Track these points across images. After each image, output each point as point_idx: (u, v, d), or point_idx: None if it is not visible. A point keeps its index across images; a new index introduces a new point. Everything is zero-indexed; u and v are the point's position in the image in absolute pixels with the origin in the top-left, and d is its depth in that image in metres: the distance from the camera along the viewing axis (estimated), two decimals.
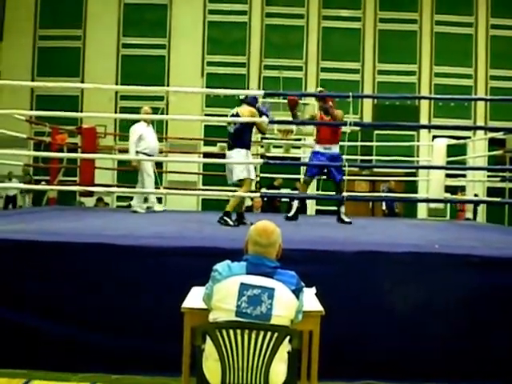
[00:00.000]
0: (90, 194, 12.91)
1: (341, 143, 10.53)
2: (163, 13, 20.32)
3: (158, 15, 20.31)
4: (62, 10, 20.28)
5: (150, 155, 10.23)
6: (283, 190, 16.84)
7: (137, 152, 10.17)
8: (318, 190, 16.44)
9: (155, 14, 20.33)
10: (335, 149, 8.98)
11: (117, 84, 19.54)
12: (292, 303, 3.68)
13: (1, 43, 20.39)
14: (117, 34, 20.35)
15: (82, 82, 19.45)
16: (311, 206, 18.87)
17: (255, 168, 8.95)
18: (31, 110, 18.85)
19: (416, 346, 5.34)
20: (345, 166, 8.11)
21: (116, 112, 19.48)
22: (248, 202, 16.28)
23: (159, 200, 18.25)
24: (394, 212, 16.33)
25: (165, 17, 20.32)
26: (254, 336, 3.52)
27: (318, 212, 18.63)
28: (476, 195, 17.61)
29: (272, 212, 14.44)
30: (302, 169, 18.45)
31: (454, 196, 15.68)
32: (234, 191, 8.37)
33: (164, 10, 20.35)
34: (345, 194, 8.66)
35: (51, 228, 7.12)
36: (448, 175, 11.87)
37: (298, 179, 16.97)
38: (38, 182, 15.51)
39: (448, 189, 11.88)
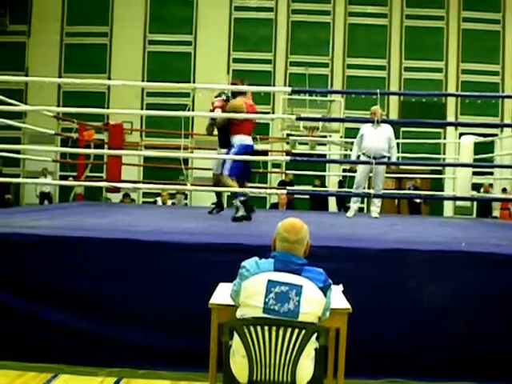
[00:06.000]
0: (117, 190, 13.00)
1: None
2: (189, 9, 20.35)
3: (184, 12, 20.33)
4: (89, 7, 20.38)
5: (367, 157, 9.67)
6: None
7: (358, 156, 9.83)
8: (343, 187, 16.46)
9: (181, 11, 20.37)
10: (232, 140, 8.24)
11: (143, 80, 19.61)
12: (319, 300, 3.68)
13: (28, 40, 20.54)
14: (143, 31, 20.41)
15: (109, 78, 19.54)
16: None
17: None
18: (58, 106, 18.95)
19: (441, 345, 5.32)
20: (371, 163, 8.06)
21: (142, 108, 19.56)
22: (274, 199, 16.36)
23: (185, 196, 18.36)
24: (418, 209, 16.28)
25: (191, 13, 20.35)
26: (281, 333, 3.53)
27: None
28: (505, 189, 17.51)
29: (290, 208, 14.45)
30: (328, 166, 18.52)
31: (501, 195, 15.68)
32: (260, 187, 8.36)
33: (190, 7, 20.38)
34: (371, 191, 8.65)
35: (80, 224, 7.18)
36: (475, 173, 11.80)
37: (319, 176, 16.99)
38: (65, 178, 15.62)
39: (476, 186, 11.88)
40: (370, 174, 9.94)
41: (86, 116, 12.23)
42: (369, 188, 11.82)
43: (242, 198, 8.04)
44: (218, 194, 9.44)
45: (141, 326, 5.35)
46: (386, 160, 9.73)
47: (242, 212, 7.97)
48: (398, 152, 15.84)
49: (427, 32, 20.14)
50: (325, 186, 17.42)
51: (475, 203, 18.50)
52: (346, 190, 14.91)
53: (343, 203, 17.18)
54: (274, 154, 16.85)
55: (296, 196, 16.76)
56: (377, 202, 10.05)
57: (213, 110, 8.45)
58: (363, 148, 9.73)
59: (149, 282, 5.40)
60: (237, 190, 8.09)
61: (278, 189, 15.33)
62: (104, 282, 5.41)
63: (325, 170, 17.48)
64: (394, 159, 9.92)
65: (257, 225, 8.02)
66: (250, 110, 8.25)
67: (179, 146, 10.95)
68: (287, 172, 16.74)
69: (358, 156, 9.83)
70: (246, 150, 8.12)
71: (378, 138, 9.68)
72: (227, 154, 8.16)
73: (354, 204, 10.23)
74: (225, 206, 9.88)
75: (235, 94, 8.41)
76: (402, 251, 5.52)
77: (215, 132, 8.95)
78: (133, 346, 5.32)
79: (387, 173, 12.63)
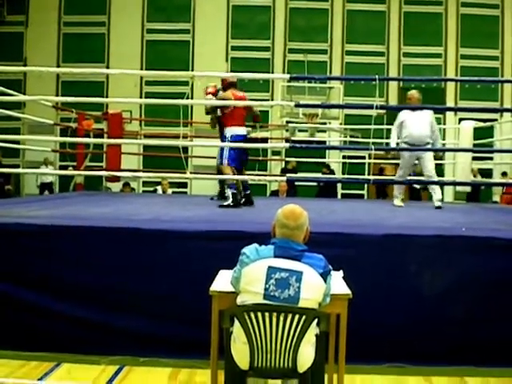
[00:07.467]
0: (117, 179, 13.00)
1: (366, 126, 10.47)
2: None
3: (182, 0, 20.26)
4: None
5: (410, 145, 9.25)
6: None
7: (397, 144, 9.36)
8: (343, 173, 16.46)
9: None
10: (225, 132, 8.64)
11: (141, 69, 19.56)
12: (320, 286, 3.70)
13: (26, 30, 20.47)
14: (141, 20, 20.33)
15: (107, 67, 19.48)
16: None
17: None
18: (57, 95, 18.93)
19: (441, 330, 5.34)
20: (371, 150, 8.04)
21: (141, 97, 19.51)
22: (274, 186, 16.37)
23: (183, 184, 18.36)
24: (417, 195, 16.28)
25: (189, 2, 20.24)
26: (282, 319, 3.54)
27: (344, 196, 18.60)
28: (505, 173, 17.50)
29: (293, 196, 14.44)
30: (327, 152, 18.49)
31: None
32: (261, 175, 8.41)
33: None
34: (371, 177, 8.65)
35: (81, 213, 7.19)
36: (475, 158, 11.78)
37: (323, 163, 17.01)
38: (64, 168, 15.60)
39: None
40: (416, 162, 9.51)
41: (84, 105, 12.19)
42: (382, 174, 11.70)
43: (234, 191, 8.30)
44: (221, 184, 9.58)
45: (142, 314, 5.37)
46: (429, 147, 9.31)
47: (229, 202, 8.26)
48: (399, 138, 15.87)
49: (426, 17, 20.04)
50: (333, 173, 17.36)
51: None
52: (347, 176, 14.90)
53: (383, 191, 17.10)
54: (273, 141, 16.85)
55: (301, 183, 16.74)
56: (436, 190, 9.45)
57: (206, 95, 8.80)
58: (406, 136, 9.25)
59: (150, 270, 5.41)
60: (236, 177, 8.16)
61: (277, 176, 15.32)
62: (105, 270, 5.42)
63: (325, 157, 17.46)
64: (438, 144, 9.55)
65: (257, 212, 8.04)
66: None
67: (178, 134, 10.95)
68: (287, 159, 16.74)
69: (398, 144, 9.38)
70: (238, 140, 8.41)
71: (420, 125, 9.23)
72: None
73: (399, 191, 9.85)
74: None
75: (225, 88, 8.69)
76: (403, 237, 5.53)
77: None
78: (134, 334, 5.35)
79: (389, 158, 12.59)
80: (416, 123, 9.18)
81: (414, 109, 9.18)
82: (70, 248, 5.48)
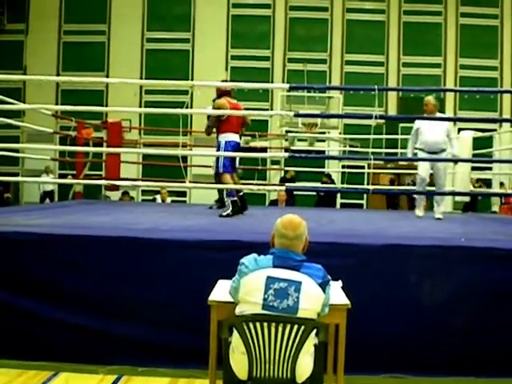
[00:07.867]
0: (116, 187, 12.98)
1: (365, 136, 10.43)
2: (187, 7, 20.31)
3: (182, 9, 20.30)
4: (87, 5, 20.34)
5: (426, 152, 9.01)
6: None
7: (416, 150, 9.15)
8: (342, 183, 16.46)
9: (179, 8, 20.33)
10: (218, 139, 8.57)
11: (141, 78, 19.60)
12: (318, 296, 3.69)
13: (26, 38, 20.51)
14: (141, 29, 20.38)
15: (107, 76, 19.52)
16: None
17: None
18: (56, 104, 18.95)
19: (441, 340, 5.33)
20: (370, 159, 8.04)
21: (141, 106, 19.54)
22: (273, 196, 16.36)
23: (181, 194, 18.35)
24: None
25: (189, 11, 20.32)
26: (280, 329, 3.53)
27: (343, 206, 18.58)
28: (502, 183, 17.49)
29: (292, 205, 14.45)
30: (327, 162, 18.49)
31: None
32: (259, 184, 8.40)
33: (188, 4, 20.34)
34: (370, 187, 8.62)
35: (80, 222, 7.18)
36: (474, 168, 11.77)
37: (324, 172, 17.01)
38: (64, 177, 15.60)
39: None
40: (431, 171, 9.25)
41: (84, 114, 12.21)
42: (393, 185, 11.70)
43: (233, 198, 8.30)
44: (221, 192, 9.60)
45: (141, 324, 5.35)
46: (445, 153, 9.02)
47: (229, 211, 8.27)
48: (397, 148, 15.88)
49: (425, 27, 20.10)
50: (334, 183, 17.37)
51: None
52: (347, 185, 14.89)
53: (394, 202, 17.04)
54: (272, 150, 16.86)
55: (300, 193, 16.75)
56: (440, 202, 9.34)
57: None
58: (421, 143, 9.06)
59: (148, 279, 5.40)
60: (235, 187, 8.17)
61: (276, 185, 15.31)
62: (104, 279, 5.41)
63: (324, 167, 17.47)
64: (455, 152, 9.17)
65: (256, 222, 8.03)
66: (233, 109, 8.48)
67: (178, 143, 10.95)
68: (286, 169, 16.75)
69: (415, 154, 9.20)
70: (231, 147, 8.42)
71: (435, 131, 8.99)
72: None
73: (421, 201, 9.67)
74: None
75: (220, 95, 8.70)
76: (403, 247, 5.52)
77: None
78: (133, 342, 5.33)
79: (388, 168, 12.60)
80: (431, 130, 9.00)
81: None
82: (69, 257, 5.47)
